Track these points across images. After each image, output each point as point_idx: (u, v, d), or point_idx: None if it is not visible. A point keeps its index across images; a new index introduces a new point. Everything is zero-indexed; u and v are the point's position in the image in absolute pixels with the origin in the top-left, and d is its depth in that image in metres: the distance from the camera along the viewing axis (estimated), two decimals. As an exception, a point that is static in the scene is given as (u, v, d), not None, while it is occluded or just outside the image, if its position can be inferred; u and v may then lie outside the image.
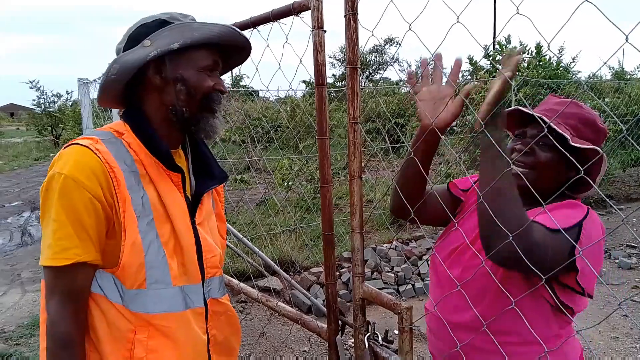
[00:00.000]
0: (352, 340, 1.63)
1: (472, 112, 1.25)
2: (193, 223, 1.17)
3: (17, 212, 8.36)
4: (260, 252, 2.88)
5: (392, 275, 4.54)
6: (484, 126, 1.06)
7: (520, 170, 1.16)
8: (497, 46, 8.71)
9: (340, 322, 1.65)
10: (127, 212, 1.04)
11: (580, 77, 8.37)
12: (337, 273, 4.39)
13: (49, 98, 19.09)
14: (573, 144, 1.13)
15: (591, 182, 1.16)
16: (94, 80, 4.28)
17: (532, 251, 0.99)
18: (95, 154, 1.02)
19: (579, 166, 0.89)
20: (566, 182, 1.21)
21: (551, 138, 1.04)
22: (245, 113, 8.90)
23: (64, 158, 1.02)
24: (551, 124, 1.07)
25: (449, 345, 1.25)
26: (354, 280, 1.49)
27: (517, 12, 0.93)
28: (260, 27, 1.70)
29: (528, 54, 7.95)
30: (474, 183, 1.40)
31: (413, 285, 4.48)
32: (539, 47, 7.88)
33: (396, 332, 1.40)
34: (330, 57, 25.48)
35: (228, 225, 2.23)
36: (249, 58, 1.29)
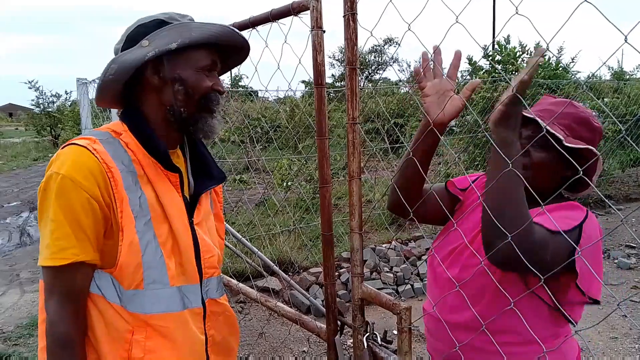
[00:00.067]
0: (351, 340, 1.63)
1: (472, 112, 1.23)
2: (191, 223, 1.17)
3: (15, 212, 8.36)
4: (259, 252, 2.89)
5: (391, 275, 4.54)
6: (496, 126, 1.05)
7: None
8: (496, 46, 8.71)
9: (339, 323, 1.65)
10: (125, 212, 1.04)
11: (579, 78, 8.37)
12: (336, 273, 4.39)
13: (48, 98, 19.10)
14: (567, 144, 1.12)
15: (589, 182, 1.15)
16: (93, 80, 4.28)
17: (533, 252, 0.98)
18: (93, 154, 1.02)
19: (577, 166, 0.89)
20: (562, 181, 1.21)
21: (550, 139, 1.03)
22: (245, 113, 8.91)
23: (61, 158, 1.02)
24: (546, 125, 1.07)
25: (448, 345, 1.25)
26: (353, 281, 1.49)
27: (517, 12, 0.93)
28: (259, 27, 1.70)
29: (527, 54, 7.95)
30: (473, 182, 1.40)
31: (412, 285, 4.48)
32: (538, 47, 7.87)
33: (395, 332, 1.40)
34: (330, 57, 25.51)
35: (227, 225, 2.23)
36: (248, 58, 1.29)
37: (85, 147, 1.03)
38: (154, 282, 1.08)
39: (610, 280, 4.62)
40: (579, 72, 9.21)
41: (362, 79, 23.80)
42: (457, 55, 1.21)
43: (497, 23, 20.41)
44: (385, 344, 1.49)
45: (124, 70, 1.07)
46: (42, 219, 1.03)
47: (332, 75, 25.36)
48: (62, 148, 1.05)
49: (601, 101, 8.16)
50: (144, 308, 1.07)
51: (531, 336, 1.07)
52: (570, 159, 0.95)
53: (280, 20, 1.59)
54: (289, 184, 6.54)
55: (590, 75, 8.64)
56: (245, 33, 1.64)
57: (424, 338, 3.46)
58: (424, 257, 4.95)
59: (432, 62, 1.24)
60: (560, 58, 8.53)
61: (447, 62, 1.26)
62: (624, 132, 0.86)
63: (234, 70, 1.55)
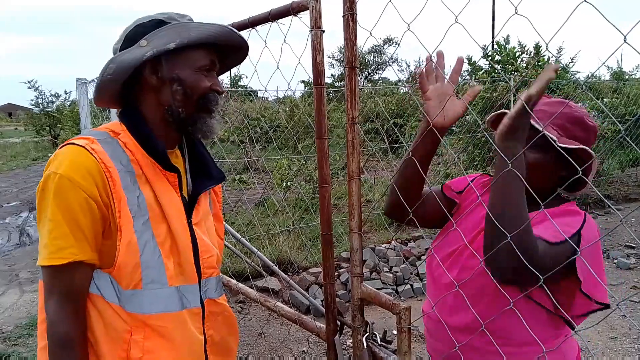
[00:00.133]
0: (351, 340, 1.63)
1: (471, 112, 1.24)
2: (190, 223, 1.17)
3: (15, 212, 8.35)
4: (258, 252, 2.88)
5: (391, 275, 4.54)
6: (503, 140, 1.03)
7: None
8: (495, 46, 8.71)
9: (338, 323, 1.65)
10: (123, 211, 1.04)
11: (579, 78, 8.38)
12: (336, 273, 4.39)
13: (48, 98, 19.07)
14: (560, 144, 1.11)
15: (587, 181, 1.15)
16: (92, 80, 4.28)
17: (537, 268, 0.97)
18: (91, 153, 1.02)
19: (577, 167, 0.89)
20: (559, 181, 1.21)
21: (551, 138, 1.03)
22: (244, 113, 8.90)
23: (59, 158, 1.02)
24: (539, 126, 1.07)
25: (447, 345, 1.25)
26: (352, 281, 1.49)
27: (516, 12, 0.93)
28: (258, 27, 1.70)
29: (526, 54, 7.95)
30: (471, 182, 1.40)
31: (412, 285, 4.49)
32: (537, 47, 7.89)
33: (395, 332, 1.40)
34: (329, 57, 25.48)
35: (226, 225, 2.23)
36: (248, 58, 1.28)
37: (83, 146, 1.03)
38: (153, 281, 1.07)
39: (609, 281, 4.62)
40: (578, 72, 9.23)
41: (361, 79, 23.80)
42: (460, 61, 1.20)
43: (497, 23, 20.44)
44: (384, 344, 1.49)
45: (122, 70, 1.07)
46: (41, 219, 1.03)
47: (332, 75, 25.36)
48: (60, 148, 1.05)
49: (600, 101, 8.17)
50: (143, 308, 1.07)
51: (530, 337, 1.06)
52: (570, 159, 0.95)
53: (280, 20, 1.59)
54: (289, 184, 6.54)
55: (589, 76, 8.66)
56: (244, 33, 1.64)
57: (423, 338, 3.46)
58: (423, 257, 4.95)
59: (434, 63, 1.24)
60: (559, 58, 8.53)
61: (446, 62, 1.26)
62: (623, 132, 0.86)
63: (234, 70, 1.55)
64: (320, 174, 1.55)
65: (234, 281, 2.40)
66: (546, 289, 0.96)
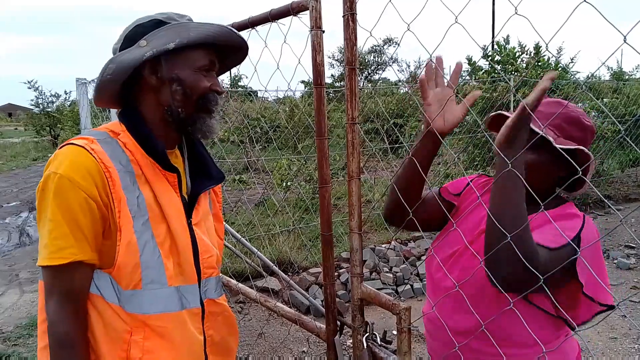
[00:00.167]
0: (351, 340, 1.63)
1: (471, 112, 1.24)
2: (189, 223, 1.17)
3: (15, 212, 8.35)
4: (258, 252, 2.88)
5: (391, 275, 4.54)
6: (502, 149, 1.03)
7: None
8: (495, 46, 8.71)
9: (338, 323, 1.65)
10: (123, 212, 1.04)
11: (578, 78, 8.38)
12: (336, 273, 4.39)
13: (48, 98, 19.08)
14: (556, 145, 1.10)
15: (586, 180, 1.15)
16: (92, 80, 4.28)
17: (538, 275, 0.97)
18: (91, 153, 1.02)
19: (577, 167, 0.89)
20: (557, 182, 1.21)
21: (558, 141, 1.03)
22: (244, 113, 8.90)
23: (59, 158, 1.02)
24: (536, 128, 1.07)
25: (448, 347, 1.25)
26: (352, 281, 1.49)
27: (516, 13, 0.93)
28: (258, 28, 1.70)
29: (526, 54, 7.96)
30: (468, 184, 1.40)
31: (412, 285, 4.49)
32: (537, 47, 7.89)
33: (395, 332, 1.40)
34: (329, 57, 25.48)
35: (226, 225, 2.23)
36: (248, 58, 1.28)
37: (82, 147, 1.03)
38: (152, 282, 1.07)
39: (609, 281, 4.61)
40: (578, 72, 9.24)
41: (361, 79, 23.81)
42: (458, 66, 1.21)
43: (497, 23, 20.45)
44: (384, 344, 1.49)
45: (122, 70, 1.07)
46: (41, 219, 1.03)
47: (332, 75, 25.34)
48: (60, 148, 1.05)
49: (600, 101, 8.17)
50: (142, 308, 1.07)
51: (531, 338, 1.06)
52: (570, 159, 0.95)
53: (280, 21, 1.59)
54: (289, 184, 6.54)
55: (589, 76, 8.66)
56: (244, 33, 1.64)
57: (423, 338, 3.46)
58: (423, 257, 4.95)
59: (434, 64, 1.24)
60: (559, 58, 8.54)
61: (446, 62, 1.27)
62: (623, 132, 0.86)
63: (234, 71, 1.55)
64: (320, 174, 1.55)
65: (234, 281, 2.40)
66: (549, 293, 0.96)
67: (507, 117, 1.23)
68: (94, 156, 1.02)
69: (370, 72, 25.98)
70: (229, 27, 1.16)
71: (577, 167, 0.90)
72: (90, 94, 4.32)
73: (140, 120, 1.13)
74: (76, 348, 1.03)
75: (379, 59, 25.98)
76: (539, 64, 7.79)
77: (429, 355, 1.42)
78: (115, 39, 1.16)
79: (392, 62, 26.08)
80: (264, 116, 10.20)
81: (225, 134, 7.68)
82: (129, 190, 1.05)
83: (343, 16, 1.35)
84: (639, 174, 8.53)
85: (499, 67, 7.88)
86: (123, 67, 1.06)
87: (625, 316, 3.75)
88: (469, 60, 8.33)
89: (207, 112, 1.14)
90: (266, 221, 5.84)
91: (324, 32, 1.45)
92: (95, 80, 1.12)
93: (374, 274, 4.61)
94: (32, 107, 19.62)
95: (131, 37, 1.10)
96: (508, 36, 8.36)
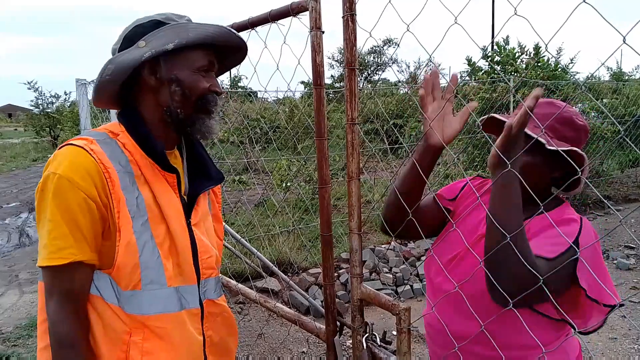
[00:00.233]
0: (351, 341, 1.63)
1: (471, 113, 1.25)
2: (189, 224, 1.17)
3: (15, 213, 8.35)
4: (258, 253, 2.88)
5: (391, 276, 4.54)
6: (495, 169, 1.05)
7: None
8: (495, 47, 8.72)
9: (338, 323, 1.65)
10: (122, 212, 1.04)
11: (578, 78, 8.38)
12: (336, 274, 4.39)
13: (47, 99, 19.08)
14: (549, 147, 1.10)
15: (582, 179, 1.14)
16: (92, 81, 4.28)
17: (540, 288, 0.97)
18: (90, 154, 1.02)
19: (576, 167, 0.89)
20: (552, 182, 1.21)
21: (551, 143, 1.03)
22: (244, 114, 8.90)
23: (58, 158, 1.02)
24: (530, 132, 1.06)
25: (447, 348, 1.24)
26: (352, 281, 1.49)
27: (515, 13, 0.93)
28: (258, 28, 1.70)
29: (526, 54, 7.96)
30: (463, 187, 1.41)
31: (411, 286, 4.48)
32: (537, 47, 7.90)
33: (394, 333, 1.40)
34: (329, 58, 25.46)
35: (226, 226, 2.23)
36: (247, 59, 1.28)
37: (82, 147, 1.03)
38: (152, 282, 1.07)
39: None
40: (578, 72, 9.24)
41: (361, 79, 23.80)
42: (454, 79, 1.22)
43: (496, 24, 20.46)
44: (384, 345, 1.49)
45: (121, 71, 1.07)
46: (40, 220, 1.03)
47: (332, 76, 25.31)
48: (59, 148, 1.05)
49: (600, 102, 8.17)
50: (142, 309, 1.07)
51: (533, 341, 1.06)
52: (569, 159, 0.95)
53: (280, 21, 1.59)
54: (288, 184, 6.54)
55: (589, 76, 8.65)
56: (244, 34, 1.64)
57: (423, 339, 3.46)
58: (423, 258, 4.95)
59: (433, 63, 1.25)
60: (559, 59, 8.54)
61: (446, 63, 1.27)
62: (622, 132, 0.86)
63: (233, 71, 1.56)
64: (320, 174, 1.55)
65: (233, 282, 2.40)
66: (553, 300, 0.96)
67: (499, 119, 1.23)
68: (93, 157, 1.02)
69: (369, 72, 25.98)
70: (228, 27, 1.16)
71: (577, 167, 0.90)
72: (90, 94, 4.32)
73: (140, 120, 1.13)
74: (77, 348, 1.03)
75: (379, 60, 25.97)
76: (539, 64, 7.79)
77: (429, 357, 1.42)
78: (115, 39, 1.16)
79: (392, 63, 26.08)
80: (264, 117, 10.21)
81: (225, 134, 7.68)
82: (128, 190, 1.05)
83: (342, 17, 1.35)
84: (638, 174, 8.54)
85: (498, 68, 7.88)
86: (122, 67, 1.06)
87: (625, 317, 3.75)
88: (469, 60, 8.34)
89: (206, 112, 1.14)
90: (266, 222, 5.84)
91: (323, 32, 1.45)
92: (95, 81, 1.12)
93: (373, 274, 4.61)
94: (31, 108, 19.62)
95: (130, 38, 1.10)
96: (508, 37, 8.37)
